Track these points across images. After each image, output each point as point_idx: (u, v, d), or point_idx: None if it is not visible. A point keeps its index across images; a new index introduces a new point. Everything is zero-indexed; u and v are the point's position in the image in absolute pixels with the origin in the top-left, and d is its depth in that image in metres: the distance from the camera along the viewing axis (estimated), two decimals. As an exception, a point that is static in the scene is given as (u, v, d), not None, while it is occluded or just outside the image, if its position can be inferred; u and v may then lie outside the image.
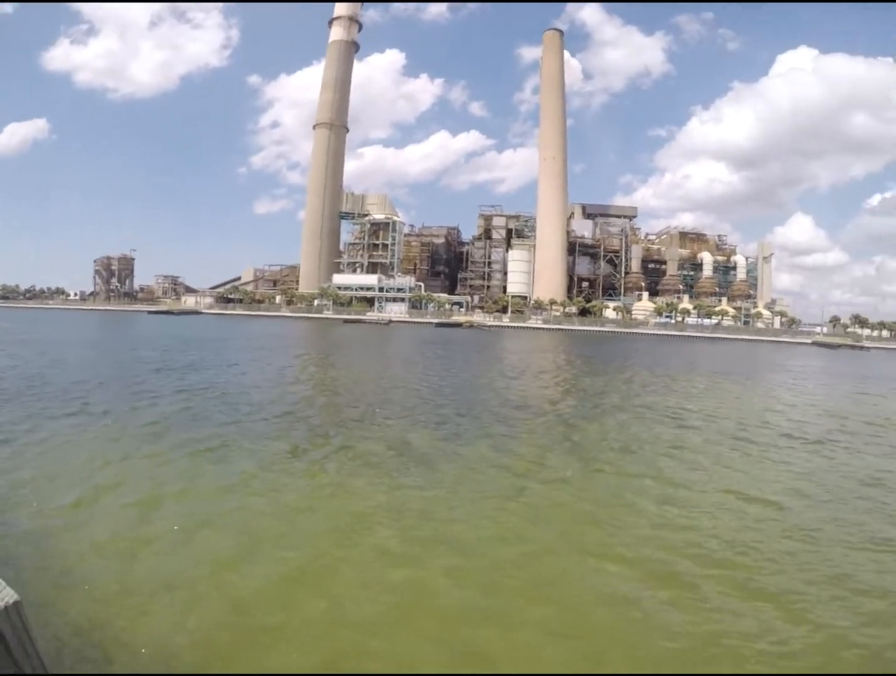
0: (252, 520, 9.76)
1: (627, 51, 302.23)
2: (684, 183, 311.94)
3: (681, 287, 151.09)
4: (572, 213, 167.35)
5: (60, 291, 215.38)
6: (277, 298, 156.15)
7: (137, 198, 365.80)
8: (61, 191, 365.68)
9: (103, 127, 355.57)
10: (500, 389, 26.86)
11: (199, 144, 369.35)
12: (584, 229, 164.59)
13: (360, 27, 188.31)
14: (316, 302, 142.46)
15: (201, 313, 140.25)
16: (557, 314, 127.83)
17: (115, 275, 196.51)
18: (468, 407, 21.29)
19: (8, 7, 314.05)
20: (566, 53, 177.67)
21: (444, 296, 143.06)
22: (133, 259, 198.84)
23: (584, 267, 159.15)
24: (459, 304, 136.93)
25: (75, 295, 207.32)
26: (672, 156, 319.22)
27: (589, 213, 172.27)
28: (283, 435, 15.74)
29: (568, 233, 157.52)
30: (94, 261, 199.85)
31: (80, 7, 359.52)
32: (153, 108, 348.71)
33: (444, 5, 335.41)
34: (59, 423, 16.80)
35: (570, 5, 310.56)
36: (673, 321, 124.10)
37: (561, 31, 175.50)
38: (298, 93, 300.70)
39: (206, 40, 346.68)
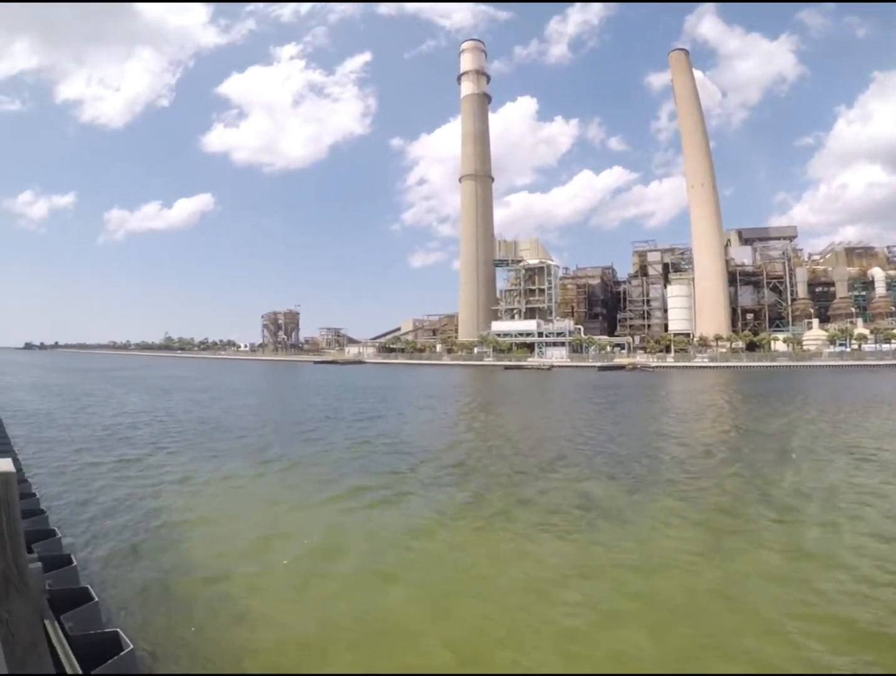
0: (438, 574, 9.96)
1: (756, 60, 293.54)
2: (842, 193, 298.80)
3: (853, 310, 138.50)
4: (728, 241, 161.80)
5: (231, 343, 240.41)
6: (438, 347, 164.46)
7: (299, 258, 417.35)
8: (229, 255, 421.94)
9: (262, 196, 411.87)
10: (677, 434, 26.42)
11: (353, 206, 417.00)
12: (743, 256, 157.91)
13: (489, 79, 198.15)
14: (476, 349, 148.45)
15: (364, 362, 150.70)
16: (723, 350, 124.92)
17: (282, 328, 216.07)
18: (646, 455, 21.03)
19: (164, 101, 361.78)
20: (696, 72, 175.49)
21: (605, 338, 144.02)
22: (298, 313, 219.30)
23: (746, 297, 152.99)
24: (620, 346, 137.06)
25: (245, 346, 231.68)
26: (824, 165, 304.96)
27: (746, 239, 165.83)
28: (461, 485, 16.16)
29: (727, 262, 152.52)
30: (262, 316, 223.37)
31: (228, 93, 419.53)
32: (307, 177, 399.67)
33: (564, 46, 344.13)
34: (238, 466, 18.44)
35: (687, 22, 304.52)
36: (848, 349, 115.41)
37: (686, 51, 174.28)
38: (440, 149, 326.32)
39: (346, 111, 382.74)
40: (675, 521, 12.75)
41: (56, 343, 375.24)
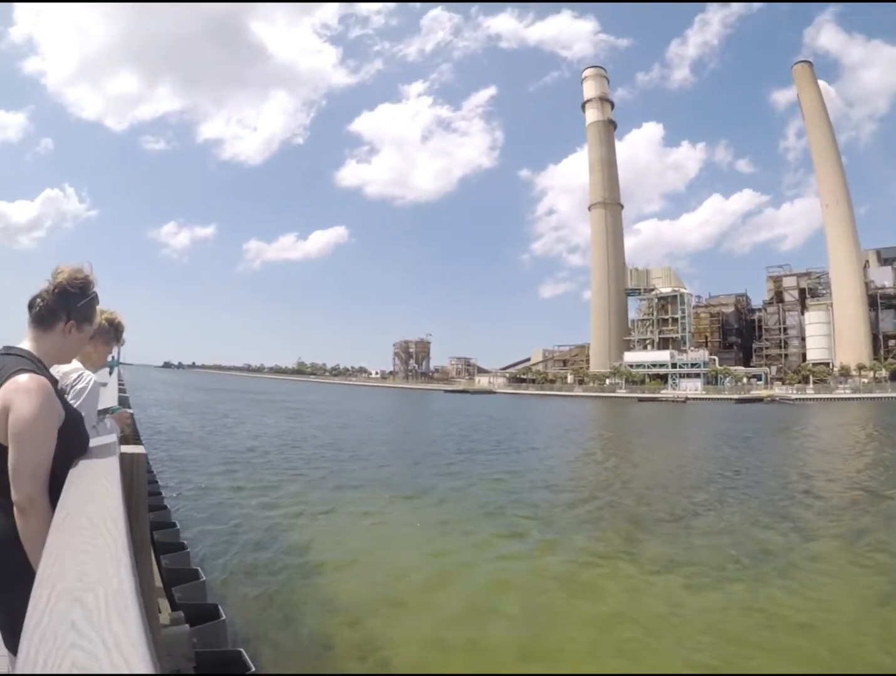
0: (593, 627, 9.51)
1: (882, 67, 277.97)
2: None
3: None
4: (867, 262, 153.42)
5: (363, 370, 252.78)
6: (569, 377, 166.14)
7: (430, 289, 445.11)
8: (361, 284, 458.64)
9: (394, 228, 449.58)
10: (840, 476, 25.13)
11: (483, 237, 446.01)
12: (884, 278, 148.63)
13: (613, 105, 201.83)
14: (608, 380, 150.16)
15: (495, 393, 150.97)
16: (866, 380, 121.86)
17: (413, 357, 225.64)
18: (804, 493, 20.47)
19: (299, 139, 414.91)
20: (822, 83, 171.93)
21: (741, 369, 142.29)
22: (429, 342, 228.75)
23: (888, 322, 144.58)
24: (757, 377, 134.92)
25: (376, 373, 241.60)
26: None
27: (885, 259, 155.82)
28: (609, 530, 15.57)
29: (866, 284, 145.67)
30: (394, 344, 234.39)
31: (360, 130, 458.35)
32: (437, 209, 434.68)
33: (685, 70, 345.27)
34: (383, 499, 18.27)
35: (807, 35, 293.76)
36: None
37: (810, 63, 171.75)
38: (568, 179, 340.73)
39: (474, 145, 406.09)
40: (837, 568, 12.42)
41: (193, 363, 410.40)
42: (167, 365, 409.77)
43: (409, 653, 8.47)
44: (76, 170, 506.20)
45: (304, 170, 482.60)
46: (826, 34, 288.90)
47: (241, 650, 5.35)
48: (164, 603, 5.88)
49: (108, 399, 7.14)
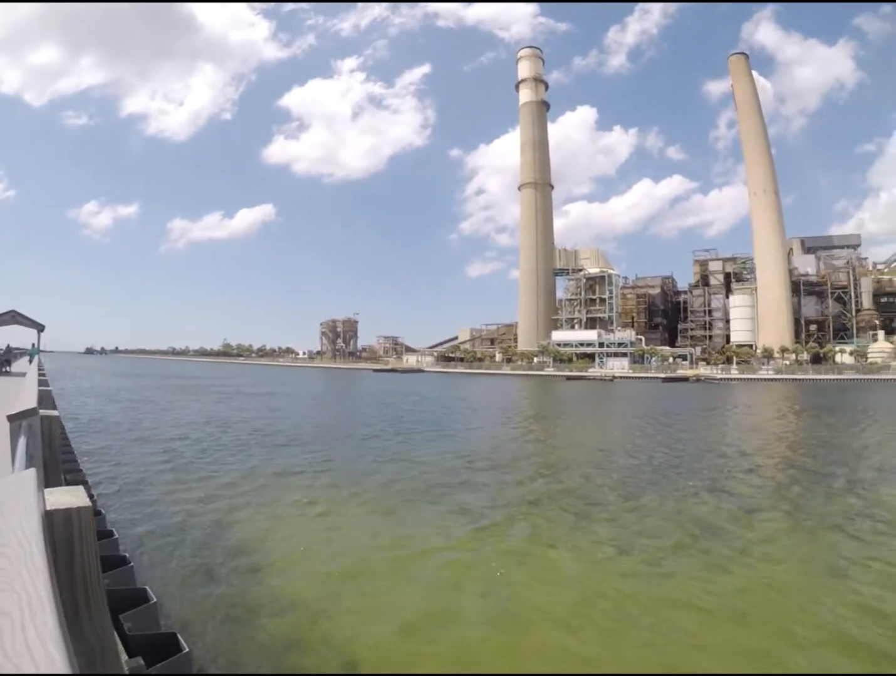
0: (554, 606, 9.74)
1: (815, 66, 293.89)
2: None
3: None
4: (791, 250, 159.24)
5: (290, 350, 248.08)
6: (497, 356, 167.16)
7: (358, 268, 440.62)
8: (288, 264, 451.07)
9: (322, 206, 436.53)
10: (773, 453, 26.19)
11: (411, 216, 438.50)
12: (807, 265, 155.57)
13: (547, 86, 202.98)
14: (536, 359, 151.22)
15: (424, 371, 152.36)
16: (788, 362, 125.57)
17: (340, 336, 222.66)
18: (745, 472, 21.05)
19: (227, 114, 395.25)
20: (756, 76, 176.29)
21: (667, 348, 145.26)
22: (356, 321, 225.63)
23: (810, 307, 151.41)
24: (683, 357, 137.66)
25: (303, 353, 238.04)
26: (886, 172, 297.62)
27: (809, 247, 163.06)
28: (557, 510, 15.67)
29: (790, 271, 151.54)
30: (321, 324, 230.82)
31: (289, 106, 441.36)
32: (366, 187, 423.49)
33: (622, 56, 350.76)
34: (325, 486, 18.19)
35: (744, 29, 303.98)
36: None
37: (745, 54, 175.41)
38: (499, 159, 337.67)
39: (405, 123, 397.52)
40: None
41: (116, 348, 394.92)
42: (89, 352, 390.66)
43: (366, 642, 8.53)
44: None
45: (232, 147, 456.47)
46: (764, 30, 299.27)
47: (176, 631, 5.38)
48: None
49: (28, 392, 7.97)
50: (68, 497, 2.46)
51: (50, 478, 6.02)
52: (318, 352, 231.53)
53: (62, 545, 2.32)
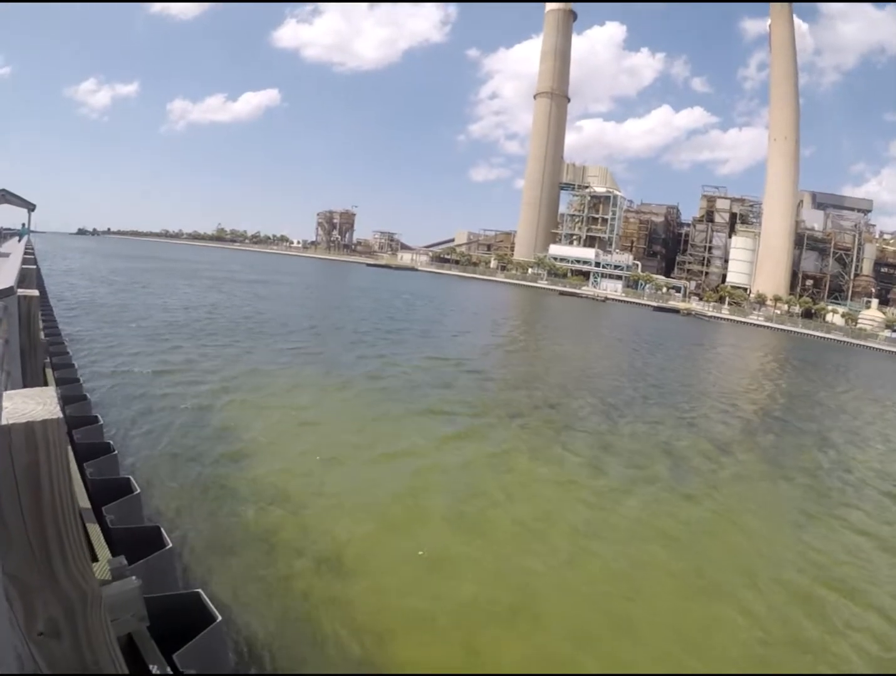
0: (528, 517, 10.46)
1: (859, 25, 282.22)
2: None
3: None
4: (801, 202, 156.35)
5: (284, 239, 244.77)
6: (492, 262, 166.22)
7: (360, 160, 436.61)
8: (289, 151, 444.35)
9: (330, 96, 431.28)
10: (756, 399, 27.47)
11: (421, 113, 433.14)
12: (814, 220, 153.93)
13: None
14: (531, 270, 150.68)
15: (417, 270, 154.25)
16: (779, 312, 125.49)
17: (336, 228, 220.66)
18: (724, 412, 21.79)
19: None
20: (798, 22, 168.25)
21: (662, 278, 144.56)
22: (354, 214, 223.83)
23: (810, 263, 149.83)
24: (677, 288, 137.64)
25: (298, 243, 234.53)
26: None
27: (819, 203, 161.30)
28: (539, 423, 16.41)
29: (796, 223, 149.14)
30: (318, 214, 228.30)
31: None
32: (377, 80, 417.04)
33: None
34: (317, 380, 18.73)
35: None
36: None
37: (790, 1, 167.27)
38: (517, 66, 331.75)
39: (425, 16, 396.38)
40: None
41: (108, 229, 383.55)
42: (81, 232, 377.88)
43: (343, 536, 8.92)
44: None
45: (240, 28, 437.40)
46: None
47: (159, 525, 5.25)
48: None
49: (6, 271, 7.36)
50: (32, 405, 1.92)
51: (27, 365, 6.07)
52: (312, 243, 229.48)
53: (24, 472, 1.85)
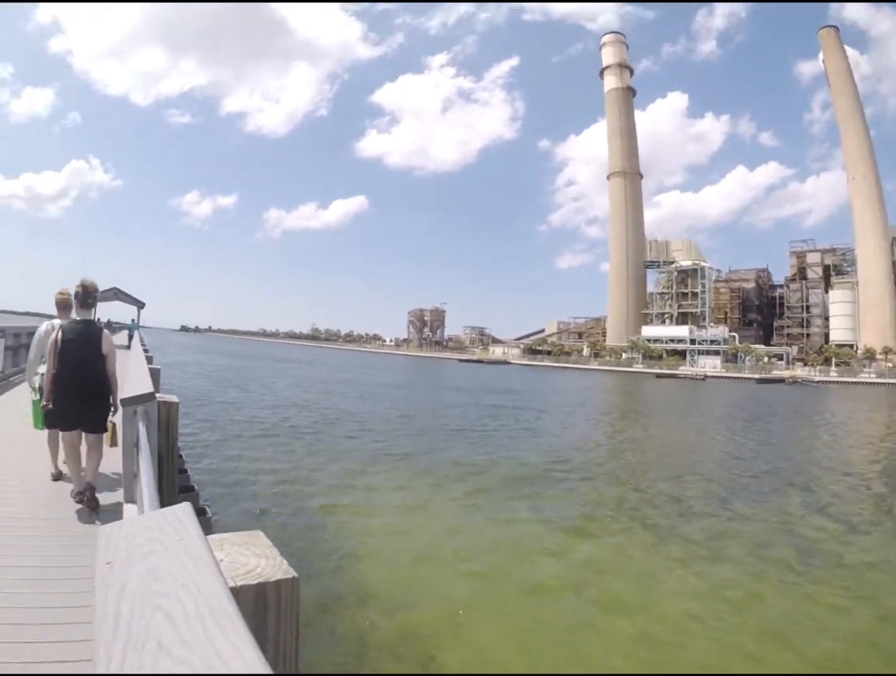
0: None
1: None
2: None
3: None
4: (895, 239, 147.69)
5: (377, 337, 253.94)
6: (584, 350, 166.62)
7: (447, 258, 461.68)
8: (379, 253, 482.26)
9: (413, 199, 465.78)
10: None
11: (502, 207, 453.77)
12: None
13: (632, 72, 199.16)
14: (625, 355, 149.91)
15: (510, 363, 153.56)
16: (891, 365, 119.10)
17: (427, 325, 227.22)
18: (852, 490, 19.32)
19: (322, 110, 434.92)
20: (849, 51, 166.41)
21: (762, 347, 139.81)
22: (444, 311, 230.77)
23: None
24: (778, 356, 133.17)
25: (390, 341, 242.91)
26: None
27: None
28: (647, 524, 14.53)
29: (894, 264, 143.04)
30: (409, 313, 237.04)
31: (382, 102, 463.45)
32: (457, 180, 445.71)
33: (712, 42, 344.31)
34: (421, 479, 17.80)
35: (832, 8, 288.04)
36: None
37: (836, 27, 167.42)
38: (588, 150, 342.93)
39: (494, 116, 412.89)
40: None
41: (209, 327, 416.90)
42: (185, 329, 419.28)
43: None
44: (102, 143, 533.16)
45: (327, 141, 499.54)
46: (852, 6, 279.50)
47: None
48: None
49: (139, 372, 8.14)
50: (254, 559, 1.80)
51: (164, 472, 6.18)
52: (404, 340, 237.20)
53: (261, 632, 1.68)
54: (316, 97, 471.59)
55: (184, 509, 1.56)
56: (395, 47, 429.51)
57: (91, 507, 5.69)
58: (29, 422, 7.23)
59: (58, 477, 6.96)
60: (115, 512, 5.45)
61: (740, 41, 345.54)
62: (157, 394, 5.60)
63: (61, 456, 6.46)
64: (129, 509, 5.26)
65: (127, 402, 5.35)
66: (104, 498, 5.90)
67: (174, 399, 6.22)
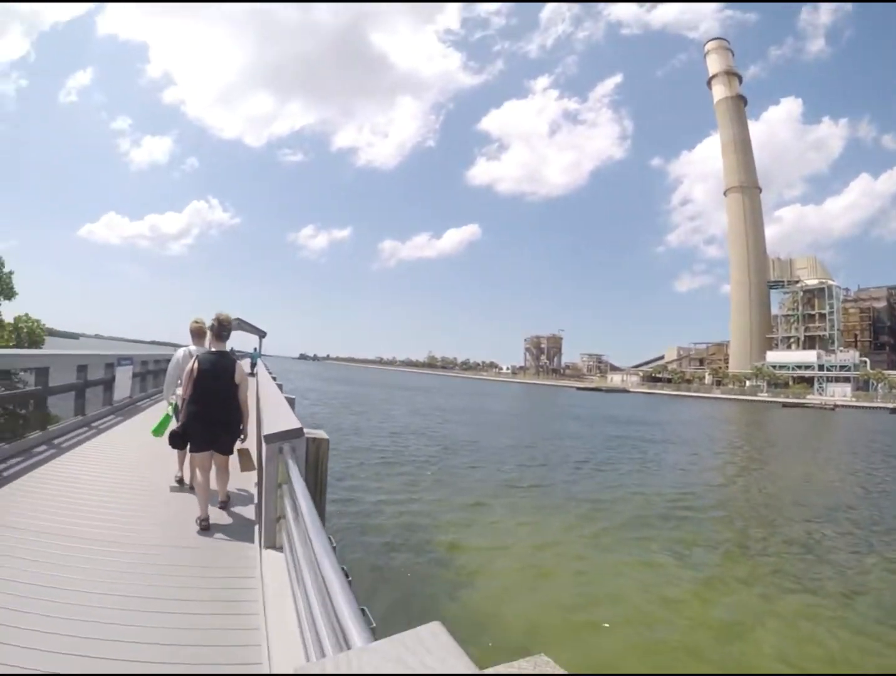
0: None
1: None
2: None
3: None
4: None
5: (493, 365, 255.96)
6: (706, 378, 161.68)
7: (562, 284, 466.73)
8: (493, 280, 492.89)
9: (526, 224, 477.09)
10: None
11: (616, 230, 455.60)
12: None
13: (741, 79, 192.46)
14: (748, 382, 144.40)
15: (629, 391, 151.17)
16: None
17: (544, 352, 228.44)
18: None
19: (430, 141, 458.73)
20: None
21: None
22: (561, 338, 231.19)
23: None
24: None
25: (507, 368, 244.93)
26: None
27: None
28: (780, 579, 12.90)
29: None
30: (525, 340, 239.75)
31: (488, 128, 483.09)
32: (569, 203, 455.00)
33: (820, 40, 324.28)
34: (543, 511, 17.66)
35: None
36: None
37: None
38: (703, 166, 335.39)
39: (603, 135, 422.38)
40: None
41: (328, 355, 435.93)
42: (303, 357, 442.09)
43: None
44: (219, 184, 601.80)
45: (437, 171, 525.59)
46: None
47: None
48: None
49: (280, 406, 7.66)
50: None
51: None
52: (521, 368, 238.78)
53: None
54: (423, 128, 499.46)
55: (433, 631, 1.22)
56: (496, 74, 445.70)
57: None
58: (159, 442, 7.79)
59: (181, 481, 7.81)
60: (240, 553, 5.56)
61: (849, 36, 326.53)
62: (305, 430, 5.20)
63: (187, 460, 7.29)
64: (268, 555, 5.12)
65: (271, 439, 5.02)
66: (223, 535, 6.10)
67: (324, 435, 5.72)
